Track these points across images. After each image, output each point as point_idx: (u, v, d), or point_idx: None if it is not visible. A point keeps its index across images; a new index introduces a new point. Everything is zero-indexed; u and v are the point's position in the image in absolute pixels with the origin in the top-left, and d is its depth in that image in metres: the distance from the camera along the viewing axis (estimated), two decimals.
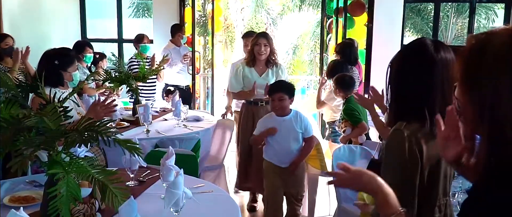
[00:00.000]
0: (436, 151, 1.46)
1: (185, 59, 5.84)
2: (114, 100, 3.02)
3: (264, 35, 4.17)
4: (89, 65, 5.29)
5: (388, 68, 1.64)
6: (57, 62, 3.08)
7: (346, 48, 4.96)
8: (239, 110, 4.42)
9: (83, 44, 5.34)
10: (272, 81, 4.01)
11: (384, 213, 1.21)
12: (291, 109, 3.49)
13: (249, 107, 4.18)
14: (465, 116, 1.05)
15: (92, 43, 5.65)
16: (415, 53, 1.60)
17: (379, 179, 1.24)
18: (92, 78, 4.55)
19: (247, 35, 4.87)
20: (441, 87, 1.53)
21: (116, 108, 3.01)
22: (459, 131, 1.18)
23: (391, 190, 1.23)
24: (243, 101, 4.31)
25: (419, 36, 14.29)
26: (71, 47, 5.04)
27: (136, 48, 5.56)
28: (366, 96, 3.77)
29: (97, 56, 5.49)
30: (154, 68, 4.82)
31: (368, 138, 3.90)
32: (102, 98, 3.19)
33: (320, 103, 4.66)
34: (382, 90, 3.25)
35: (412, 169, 1.53)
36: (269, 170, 3.50)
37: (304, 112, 3.79)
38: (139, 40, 5.56)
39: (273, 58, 4.14)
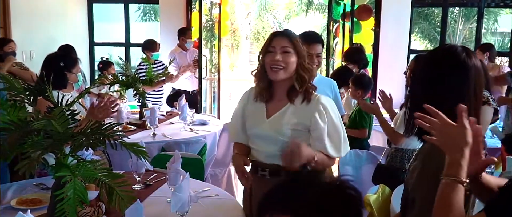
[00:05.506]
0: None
1: (194, 66, 5.84)
2: (115, 100, 2.99)
3: (286, 33, 2.07)
4: None
5: (410, 75, 1.54)
6: (63, 64, 3.10)
7: (357, 53, 4.96)
8: None
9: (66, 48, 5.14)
10: (287, 130, 2.00)
11: (452, 173, 1.15)
12: None
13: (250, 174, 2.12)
14: None
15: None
16: (448, 59, 1.51)
17: (469, 137, 1.17)
18: (97, 84, 4.58)
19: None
20: (474, 94, 1.47)
21: (117, 107, 2.99)
22: (480, 146, 1.16)
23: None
24: None
25: (427, 41, 14.27)
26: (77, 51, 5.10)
27: (147, 54, 5.52)
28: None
29: (101, 65, 5.47)
30: (160, 73, 4.84)
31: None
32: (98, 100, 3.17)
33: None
34: (390, 94, 3.27)
35: None
36: None
37: None
38: (153, 48, 5.54)
39: (303, 82, 2.01)
